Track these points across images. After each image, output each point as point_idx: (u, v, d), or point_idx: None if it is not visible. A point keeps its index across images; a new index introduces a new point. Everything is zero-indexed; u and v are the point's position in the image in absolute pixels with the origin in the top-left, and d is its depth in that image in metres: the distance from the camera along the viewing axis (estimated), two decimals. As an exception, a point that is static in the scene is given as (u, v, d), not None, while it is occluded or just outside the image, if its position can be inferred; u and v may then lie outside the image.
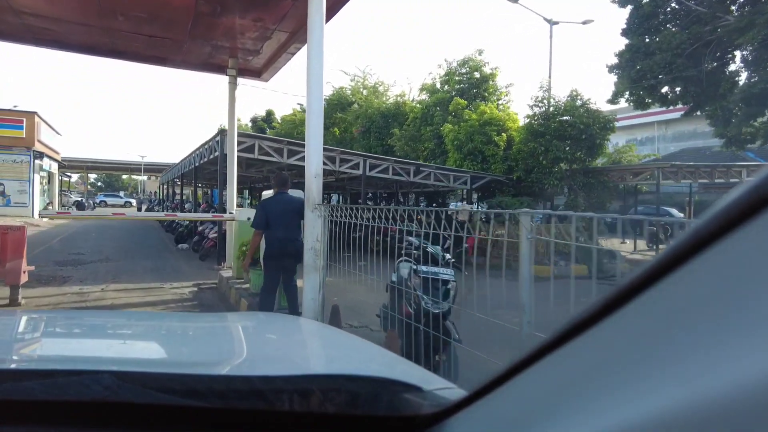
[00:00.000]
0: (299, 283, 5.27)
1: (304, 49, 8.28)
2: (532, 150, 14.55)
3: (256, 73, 9.96)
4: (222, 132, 11.01)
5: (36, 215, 14.71)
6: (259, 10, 6.89)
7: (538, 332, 2.37)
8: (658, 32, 16.04)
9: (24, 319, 1.82)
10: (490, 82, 19.11)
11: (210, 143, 12.86)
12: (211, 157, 12.85)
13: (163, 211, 25.67)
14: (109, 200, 47.03)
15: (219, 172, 11.50)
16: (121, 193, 56.38)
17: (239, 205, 13.58)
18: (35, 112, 24.18)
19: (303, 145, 13.49)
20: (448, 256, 3.82)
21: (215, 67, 9.72)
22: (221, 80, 12.34)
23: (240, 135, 11.21)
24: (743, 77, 15.60)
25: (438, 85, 20.50)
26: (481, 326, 3.01)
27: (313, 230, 4.71)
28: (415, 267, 3.67)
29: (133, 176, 62.63)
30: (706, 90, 15.00)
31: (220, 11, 7.00)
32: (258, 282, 6.77)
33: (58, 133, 30.14)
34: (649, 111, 26.13)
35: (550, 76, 16.57)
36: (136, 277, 9.23)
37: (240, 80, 9.83)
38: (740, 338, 0.38)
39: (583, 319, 0.53)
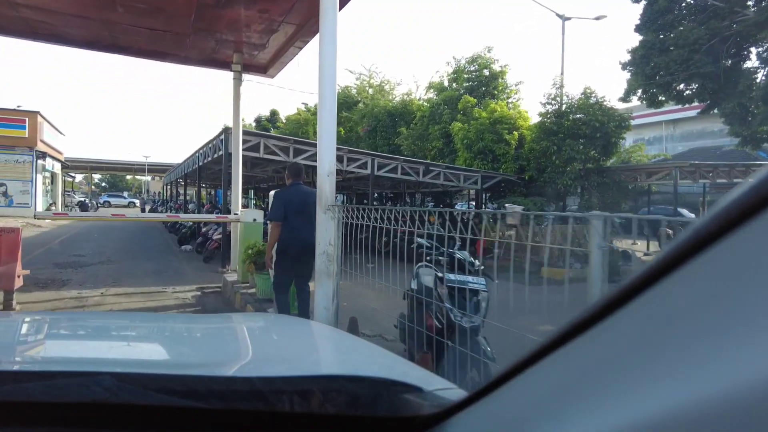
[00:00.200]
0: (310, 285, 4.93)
1: (312, 42, 8.05)
2: (544, 149, 14.12)
3: (262, 69, 9.60)
4: (226, 130, 10.66)
5: (52, 215, 14.43)
6: (266, 0, 6.54)
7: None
8: (673, 28, 15.62)
9: (24, 320, 1.80)
10: (500, 80, 18.68)
11: (214, 142, 12.52)
12: (215, 156, 12.51)
13: (167, 211, 25.43)
14: (113, 201, 46.92)
15: (223, 171, 11.15)
16: (125, 194, 56.17)
17: (244, 206, 13.23)
18: (38, 112, 23.98)
19: (310, 144, 13.21)
20: (477, 262, 3.44)
21: (219, 62, 9.37)
22: (226, 79, 12.03)
23: (245, 133, 10.86)
24: (761, 74, 15.18)
25: (446, 83, 20.08)
26: (514, 343, 2.68)
27: (326, 233, 4.33)
28: (440, 275, 3.30)
29: (137, 177, 62.54)
30: (724, 87, 14.55)
31: (224, 2, 6.65)
32: (265, 287, 6.41)
33: (61, 133, 29.95)
34: (657, 110, 25.71)
35: (562, 73, 16.16)
36: (138, 280, 8.90)
37: (245, 76, 9.48)
38: (740, 338, 0.38)
39: (583, 319, 0.53)
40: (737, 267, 0.41)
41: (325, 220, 4.35)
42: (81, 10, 7.08)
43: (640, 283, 0.47)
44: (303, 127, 27.39)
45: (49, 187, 28.39)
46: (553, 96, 15.08)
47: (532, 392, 0.61)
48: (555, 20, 18.55)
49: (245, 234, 7.79)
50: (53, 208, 27.00)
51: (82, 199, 36.89)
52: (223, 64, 9.35)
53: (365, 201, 21.06)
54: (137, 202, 45.38)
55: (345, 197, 25.80)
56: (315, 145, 12.78)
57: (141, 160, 49.01)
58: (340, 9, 4.82)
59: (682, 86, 16.00)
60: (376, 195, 23.13)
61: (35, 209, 22.04)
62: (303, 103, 31.51)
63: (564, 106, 14.73)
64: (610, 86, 79.63)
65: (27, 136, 23.43)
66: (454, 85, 19.45)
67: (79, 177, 58.35)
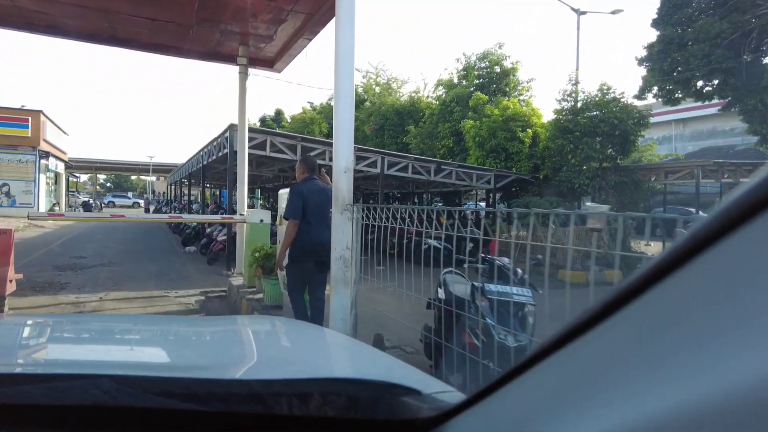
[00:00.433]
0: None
1: (321, 35, 7.63)
2: (560, 147, 13.61)
3: (269, 63, 9.17)
4: (232, 127, 10.24)
5: (47, 215, 14.09)
6: (274, -14, 6.13)
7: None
8: (692, 22, 15.10)
9: (25, 322, 1.77)
10: (511, 77, 18.19)
11: (219, 140, 12.10)
12: (220, 154, 12.11)
13: (170, 211, 25.07)
14: (118, 201, 46.71)
15: (228, 170, 10.75)
16: (130, 194, 55.94)
17: (250, 206, 12.81)
18: (40, 111, 23.69)
19: (318, 142, 12.79)
20: (520, 271, 2.99)
21: (224, 56, 8.95)
22: (231, 77, 11.62)
23: (251, 131, 10.44)
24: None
25: (456, 80, 19.60)
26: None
27: (343, 236, 3.90)
28: (476, 283, 2.85)
29: (142, 177, 62.34)
30: (746, 83, 14.01)
31: (229, -12, 6.24)
32: (273, 293, 5.98)
33: (64, 132, 29.67)
34: (666, 109, 25.13)
35: (577, 69, 15.65)
36: (139, 283, 8.51)
37: (251, 71, 9.05)
38: (741, 339, 0.39)
39: (582, 321, 0.53)
40: (738, 268, 0.40)
41: (342, 222, 3.91)
42: (78, -3, 6.69)
43: (640, 284, 0.47)
44: (309, 126, 27.00)
45: (52, 187, 28.10)
46: (568, 92, 14.57)
47: (531, 394, 0.61)
48: (569, 15, 18.04)
49: (252, 236, 7.37)
50: (56, 208, 26.71)
51: (87, 200, 36.60)
52: (228, 58, 8.94)
53: (371, 201, 20.64)
54: (142, 202, 45.13)
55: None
56: (323, 143, 12.45)
57: (146, 161, 48.72)
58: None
59: (701, 83, 15.49)
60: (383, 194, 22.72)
61: (38, 209, 21.74)
62: (308, 102, 31.18)
63: (580, 103, 14.21)
64: (624, 83, 78.40)
65: (30, 135, 23.16)
66: (464, 82, 18.96)
67: (84, 177, 58.27)
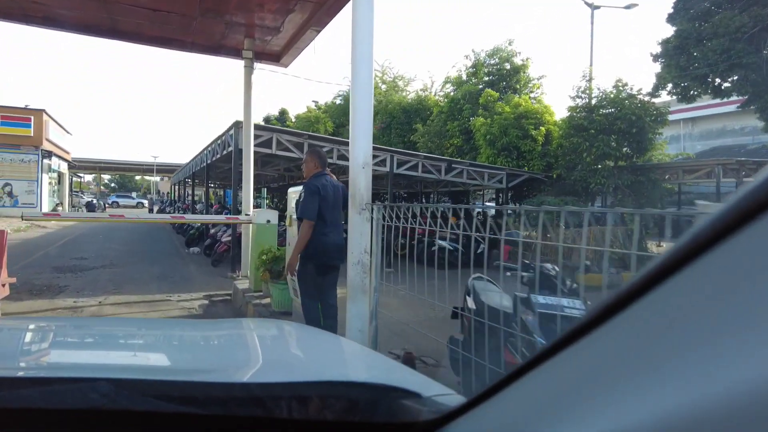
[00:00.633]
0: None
1: (329, 28, 7.28)
2: (574, 145, 13.19)
3: (275, 57, 8.81)
4: (237, 124, 9.89)
5: (41, 215, 13.81)
6: (282, -27, 5.77)
7: None
8: (709, 17, 14.66)
9: (23, 326, 1.77)
10: (522, 74, 17.77)
11: (223, 137, 11.76)
12: (225, 152, 11.77)
13: (174, 211, 24.77)
14: (121, 201, 46.55)
15: (233, 168, 10.39)
16: (134, 194, 55.80)
17: (256, 206, 12.45)
18: (43, 110, 23.44)
19: (325, 140, 12.43)
20: (568, 281, 2.61)
21: (229, 50, 8.60)
22: (233, 76, 11.27)
23: (256, 128, 10.10)
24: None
25: (464, 78, 19.19)
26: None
27: (361, 238, 3.53)
28: (525, 295, 2.46)
29: (146, 177, 62.19)
30: (767, 79, 13.56)
31: (235, -25, 5.88)
32: (281, 298, 5.62)
33: (68, 132, 29.44)
34: (676, 108, 24.61)
35: (591, 65, 15.22)
36: (141, 286, 8.16)
37: (257, 65, 8.69)
38: (741, 341, 0.38)
39: (582, 323, 0.53)
40: (738, 270, 0.40)
41: (360, 223, 3.55)
42: (75, -14, 6.35)
43: (641, 285, 0.47)
44: (314, 125, 26.65)
45: (55, 187, 27.85)
46: (582, 89, 14.15)
47: (531, 397, 0.60)
48: (581, 10, 17.59)
49: (258, 237, 7.00)
50: (60, 208, 26.49)
51: (90, 200, 36.39)
52: (233, 52, 8.59)
53: (378, 201, 20.26)
54: (146, 202, 44.92)
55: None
56: (331, 141, 12.09)
57: (149, 161, 48.51)
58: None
59: (718, 79, 15.03)
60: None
61: (41, 209, 21.49)
62: (313, 101, 30.83)
63: (594, 100, 13.78)
64: (638, 80, 77.33)
65: (32, 134, 22.91)
66: (473, 79, 18.56)
67: (88, 177, 58.18)
